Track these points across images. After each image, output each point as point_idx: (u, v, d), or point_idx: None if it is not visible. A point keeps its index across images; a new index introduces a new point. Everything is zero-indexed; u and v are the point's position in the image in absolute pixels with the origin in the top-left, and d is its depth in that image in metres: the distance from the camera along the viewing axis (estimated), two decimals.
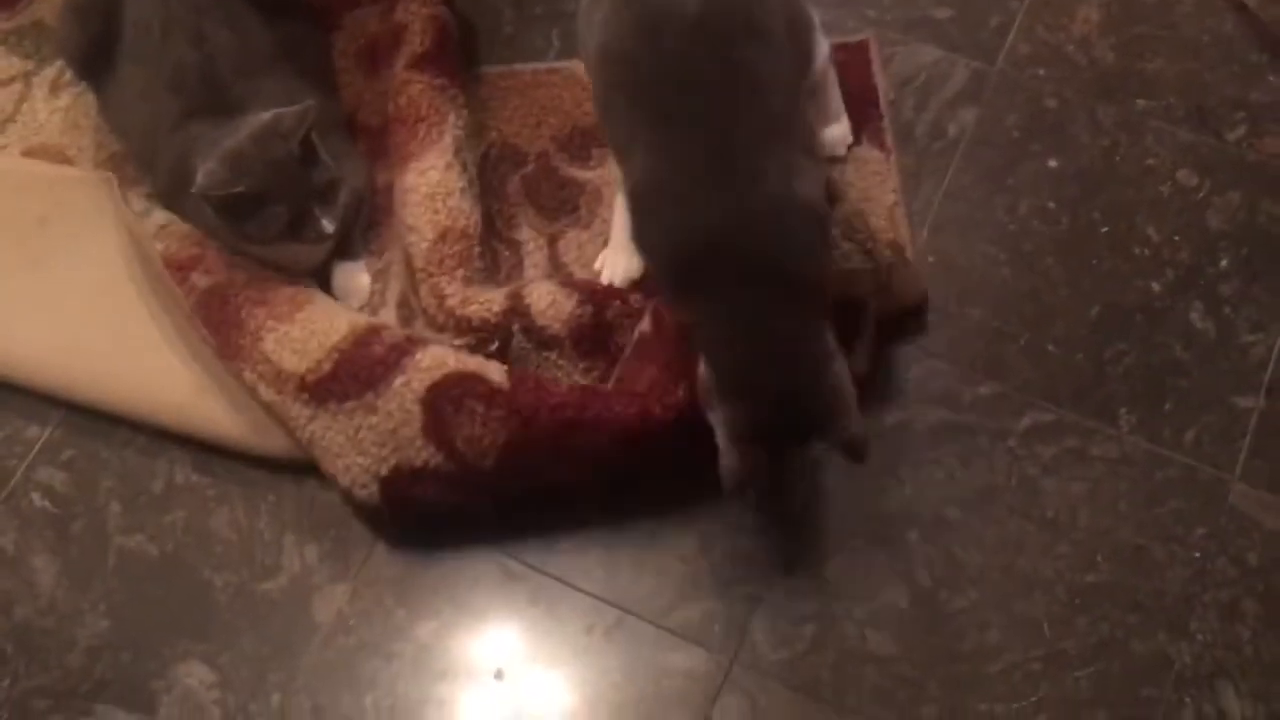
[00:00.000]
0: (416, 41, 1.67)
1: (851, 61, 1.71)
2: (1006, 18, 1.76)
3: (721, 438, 1.30)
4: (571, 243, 1.63)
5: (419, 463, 1.42)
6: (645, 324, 1.48)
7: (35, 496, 1.52)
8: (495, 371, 1.43)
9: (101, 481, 1.52)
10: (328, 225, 1.46)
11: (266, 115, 1.45)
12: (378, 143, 1.68)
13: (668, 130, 1.28)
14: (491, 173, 1.68)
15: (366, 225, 1.64)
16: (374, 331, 1.46)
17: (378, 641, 1.42)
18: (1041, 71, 1.72)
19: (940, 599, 1.41)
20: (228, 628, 1.43)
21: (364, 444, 1.42)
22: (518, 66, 1.76)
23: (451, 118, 1.61)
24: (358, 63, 1.76)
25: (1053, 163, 1.66)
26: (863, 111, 1.67)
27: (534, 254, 1.62)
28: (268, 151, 1.43)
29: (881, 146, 1.65)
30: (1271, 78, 1.70)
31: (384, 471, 1.43)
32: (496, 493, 1.44)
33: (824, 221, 1.36)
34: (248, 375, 1.47)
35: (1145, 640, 1.38)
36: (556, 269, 1.61)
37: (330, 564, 1.46)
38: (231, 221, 1.44)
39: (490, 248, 1.61)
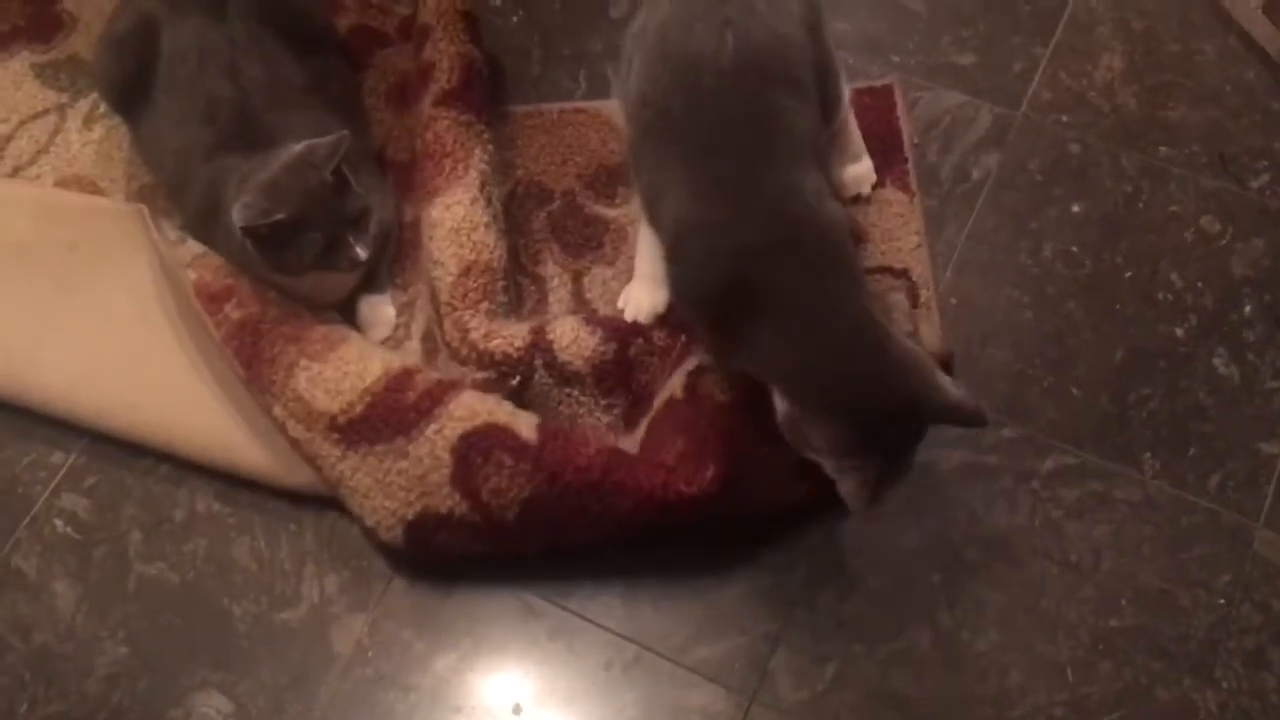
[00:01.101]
0: (444, 79, 1.69)
1: (876, 106, 1.73)
2: (1030, 64, 1.78)
3: (830, 466, 1.29)
4: (596, 279, 1.64)
5: (444, 510, 1.42)
6: (678, 388, 1.47)
7: (58, 523, 1.52)
8: (525, 425, 1.43)
9: (124, 509, 1.53)
10: (361, 252, 1.48)
11: (299, 146, 1.47)
12: (406, 178, 1.70)
13: (701, 169, 1.31)
14: (518, 210, 1.69)
15: (393, 259, 1.65)
16: (407, 375, 1.47)
17: (396, 674, 1.41)
18: (1064, 118, 1.73)
19: (962, 640, 1.40)
20: (246, 657, 1.43)
21: (392, 488, 1.43)
22: (544, 106, 1.78)
23: (478, 153, 1.63)
24: (387, 100, 1.79)
25: (1076, 207, 1.66)
26: (887, 155, 1.68)
27: (558, 290, 1.63)
28: (302, 181, 1.44)
29: (905, 189, 1.66)
30: None
31: (410, 516, 1.43)
32: (517, 546, 1.44)
33: (846, 221, 1.39)
34: (277, 411, 1.47)
35: (1170, 687, 1.36)
36: (581, 305, 1.62)
37: (350, 595, 1.46)
38: (268, 252, 1.45)
39: (515, 282, 1.62)
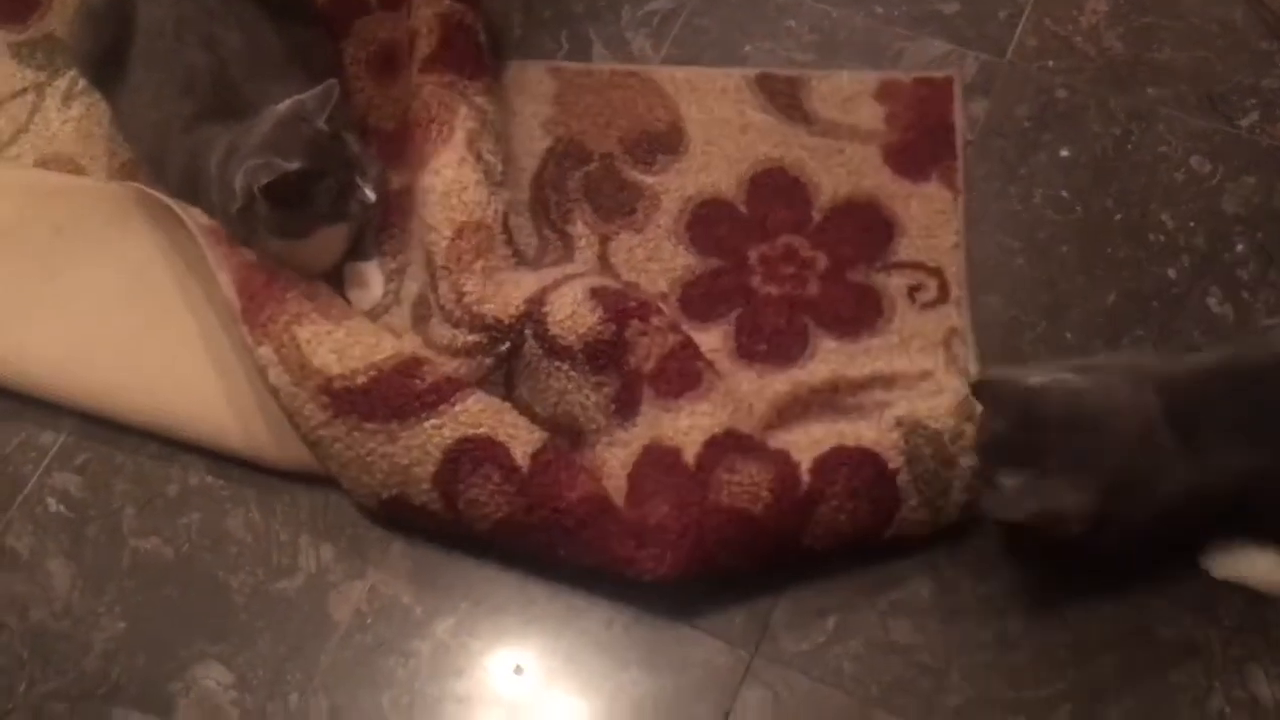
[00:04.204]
0: (425, 44, 1.68)
1: (933, 97, 1.69)
2: (1014, 11, 1.76)
3: None
4: (622, 245, 1.63)
5: (419, 503, 1.41)
6: (688, 446, 1.39)
7: (51, 501, 1.51)
8: (521, 450, 1.40)
9: (116, 485, 1.52)
10: (370, 194, 1.47)
11: (285, 103, 1.46)
12: (392, 147, 1.69)
13: None
14: (555, 166, 1.69)
15: (380, 227, 1.64)
16: (418, 363, 1.44)
17: (395, 639, 1.41)
18: (1051, 63, 1.72)
19: (963, 587, 1.39)
20: (244, 628, 1.42)
21: (372, 467, 1.42)
22: (596, 65, 1.77)
23: (463, 111, 1.61)
24: (368, 68, 1.77)
25: (1065, 152, 1.65)
26: (937, 150, 1.65)
27: (584, 250, 1.62)
28: (299, 132, 1.43)
29: (951, 187, 1.62)
30: None
31: (385, 496, 1.42)
32: (486, 547, 1.43)
33: None
34: (264, 351, 1.44)
35: (1171, 625, 1.36)
36: (605, 269, 1.60)
37: (346, 563, 1.45)
38: (282, 212, 1.44)
39: (541, 237, 1.62)
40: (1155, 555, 1.36)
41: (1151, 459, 1.24)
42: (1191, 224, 1.59)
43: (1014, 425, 1.26)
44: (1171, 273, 1.56)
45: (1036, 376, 1.27)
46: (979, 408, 1.35)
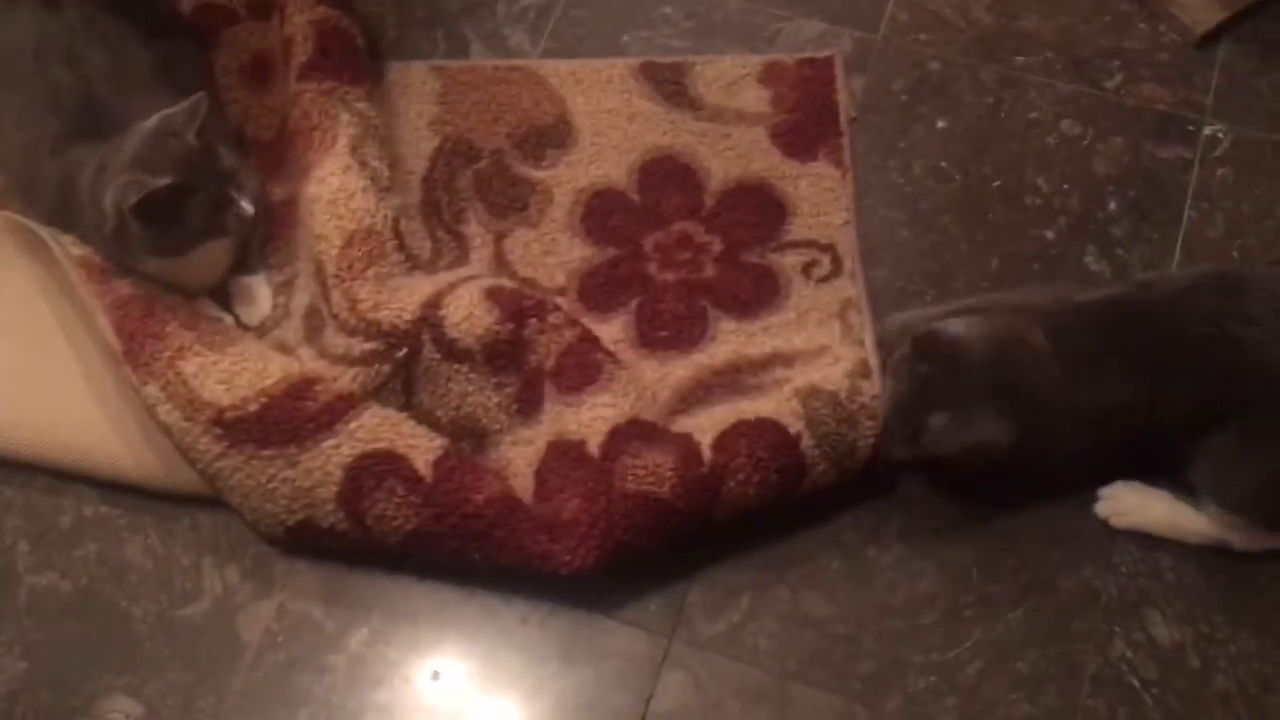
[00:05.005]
0: (300, 52, 1.65)
1: (816, 78, 1.71)
2: None
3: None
4: (518, 240, 1.62)
5: (326, 525, 1.39)
6: (591, 436, 1.39)
7: None
8: (423, 460, 1.39)
9: (6, 522, 1.47)
10: (247, 206, 1.44)
11: (152, 120, 1.43)
12: (271, 157, 1.66)
13: None
14: (444, 166, 1.67)
15: (265, 239, 1.61)
16: (308, 384, 1.42)
17: (309, 656, 1.39)
18: (923, 36, 1.76)
19: (869, 555, 1.42)
20: (151, 658, 1.39)
21: (275, 494, 1.39)
22: (479, 61, 1.75)
23: (345, 118, 1.59)
24: (241, 79, 1.74)
25: (941, 123, 1.69)
26: (823, 129, 1.67)
27: (480, 249, 1.61)
28: (168, 148, 1.40)
29: (838, 165, 1.64)
30: (1142, 25, 1.75)
31: (291, 523, 1.40)
32: (400, 559, 1.42)
33: None
34: (150, 390, 1.42)
35: (1070, 576, 1.40)
36: (501, 267, 1.59)
37: (253, 582, 1.43)
38: (155, 230, 1.40)
39: (434, 239, 1.60)
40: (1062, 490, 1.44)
41: (1053, 388, 1.35)
42: (1066, 186, 1.63)
43: (940, 370, 1.34)
44: (1050, 234, 1.60)
45: (955, 326, 1.36)
46: (877, 363, 1.42)
